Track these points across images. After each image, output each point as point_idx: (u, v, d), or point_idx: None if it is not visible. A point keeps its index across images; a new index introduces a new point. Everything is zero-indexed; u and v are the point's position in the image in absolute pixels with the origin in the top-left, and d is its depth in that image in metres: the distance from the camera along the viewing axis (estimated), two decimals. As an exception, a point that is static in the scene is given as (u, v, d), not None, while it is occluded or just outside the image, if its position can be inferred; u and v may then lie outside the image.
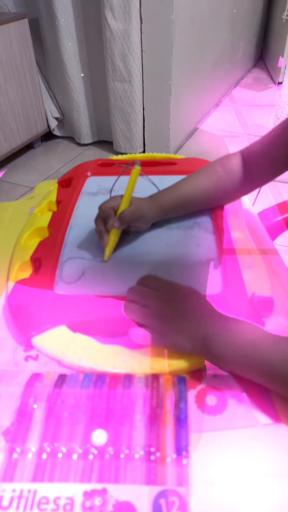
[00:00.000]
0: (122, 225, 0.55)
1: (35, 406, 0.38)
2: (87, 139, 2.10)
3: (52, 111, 2.07)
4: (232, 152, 0.61)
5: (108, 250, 0.54)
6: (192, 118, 2.21)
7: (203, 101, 2.31)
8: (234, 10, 2.21)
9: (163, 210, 0.59)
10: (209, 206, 0.63)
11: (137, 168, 0.55)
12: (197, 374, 0.41)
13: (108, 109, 1.89)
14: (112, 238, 0.55)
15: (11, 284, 0.51)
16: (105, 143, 2.12)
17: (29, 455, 0.34)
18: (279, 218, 0.77)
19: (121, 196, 0.56)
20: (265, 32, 3.43)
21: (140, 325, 0.43)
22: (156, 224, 0.61)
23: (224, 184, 0.60)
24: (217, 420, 0.37)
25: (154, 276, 0.46)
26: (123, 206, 0.55)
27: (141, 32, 1.65)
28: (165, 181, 0.62)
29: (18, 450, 0.35)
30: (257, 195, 1.65)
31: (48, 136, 2.15)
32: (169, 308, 0.42)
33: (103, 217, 0.55)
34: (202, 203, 0.62)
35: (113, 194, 0.69)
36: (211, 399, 0.39)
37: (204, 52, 2.09)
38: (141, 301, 0.43)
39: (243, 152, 0.60)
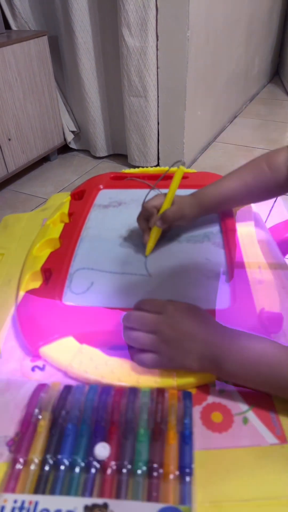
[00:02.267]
0: (164, 225, 0.57)
1: (39, 416, 0.38)
2: (102, 152, 2.13)
3: (68, 125, 2.12)
4: None
5: (149, 247, 0.57)
6: (207, 132, 2.23)
7: (217, 115, 2.33)
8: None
9: (203, 208, 0.60)
10: (250, 202, 0.65)
11: (181, 169, 0.57)
12: (203, 389, 0.41)
13: (124, 123, 1.92)
14: (153, 235, 0.57)
15: (21, 293, 0.52)
16: (120, 157, 2.15)
17: (32, 467, 0.34)
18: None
19: (164, 195, 0.58)
20: (281, 48, 3.45)
21: (144, 350, 0.41)
22: (166, 237, 0.61)
23: (267, 181, 0.59)
24: (222, 438, 0.37)
25: (151, 300, 0.44)
26: (166, 205, 0.57)
27: (157, 49, 1.68)
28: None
29: (21, 461, 0.35)
30: (270, 210, 1.64)
31: (64, 149, 2.20)
32: (174, 332, 0.40)
33: (146, 215, 0.58)
34: (243, 200, 0.63)
35: (123, 206, 0.70)
36: (216, 416, 0.38)
37: (219, 68, 2.11)
38: (143, 328, 0.41)
39: None
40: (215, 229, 0.63)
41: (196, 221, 0.63)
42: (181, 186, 0.74)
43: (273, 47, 3.22)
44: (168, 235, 0.61)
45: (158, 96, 1.80)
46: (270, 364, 0.37)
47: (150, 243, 0.57)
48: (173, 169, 0.72)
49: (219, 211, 0.64)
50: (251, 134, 2.42)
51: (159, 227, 0.57)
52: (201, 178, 0.76)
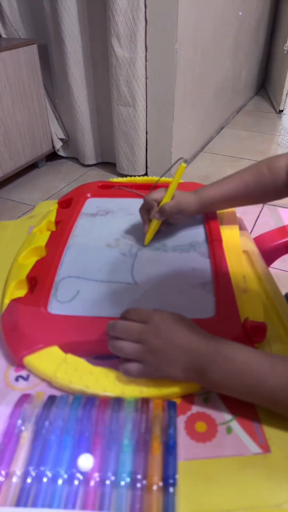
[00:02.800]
0: (162, 217, 0.61)
1: (22, 428, 0.38)
2: (91, 160, 2.14)
3: (57, 132, 2.12)
4: None
5: (147, 237, 0.62)
6: (194, 142, 2.26)
7: (205, 126, 2.36)
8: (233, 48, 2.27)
9: (202, 205, 0.63)
10: (249, 204, 0.67)
11: (182, 166, 0.60)
12: (188, 399, 0.41)
13: (112, 132, 1.93)
14: (152, 226, 0.62)
15: (6, 302, 0.51)
16: (108, 165, 2.15)
17: (14, 479, 0.34)
18: (277, 242, 0.78)
19: (166, 190, 0.61)
20: (267, 62, 3.54)
21: (129, 359, 0.41)
22: (152, 246, 0.62)
23: (266, 184, 0.61)
24: (206, 448, 0.37)
25: (136, 309, 0.44)
26: (166, 199, 0.61)
27: (145, 60, 1.70)
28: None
29: (3, 473, 0.34)
30: (256, 220, 1.67)
31: (52, 156, 2.20)
32: (160, 341, 0.40)
33: (147, 207, 0.62)
34: (242, 201, 0.65)
35: (110, 215, 0.70)
36: (200, 426, 0.38)
37: (207, 80, 2.15)
38: (129, 337, 0.41)
39: None
40: (201, 238, 0.64)
41: (196, 218, 0.67)
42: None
43: (259, 60, 3.29)
44: (153, 247, 0.62)
45: (146, 106, 1.82)
46: (254, 374, 0.38)
47: (149, 234, 0.62)
48: (164, 179, 0.73)
49: (218, 209, 0.67)
50: (238, 145, 2.46)
51: (158, 219, 0.61)
52: (187, 188, 0.76)
